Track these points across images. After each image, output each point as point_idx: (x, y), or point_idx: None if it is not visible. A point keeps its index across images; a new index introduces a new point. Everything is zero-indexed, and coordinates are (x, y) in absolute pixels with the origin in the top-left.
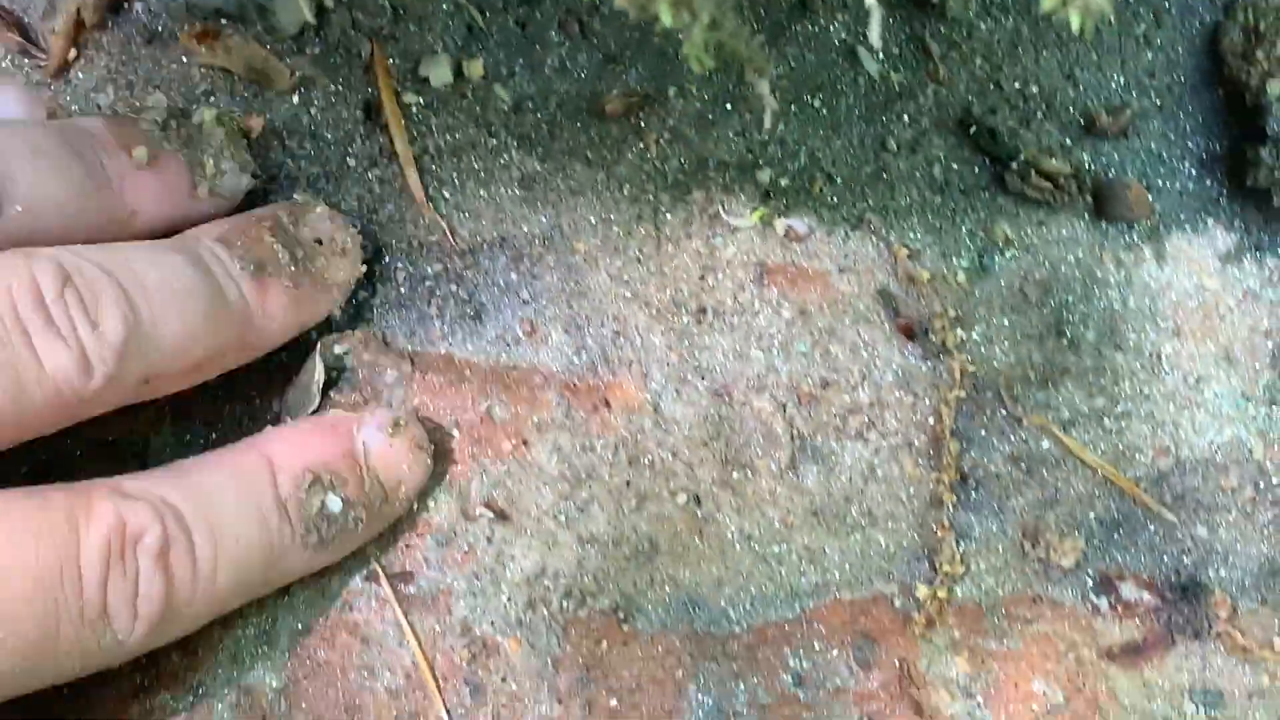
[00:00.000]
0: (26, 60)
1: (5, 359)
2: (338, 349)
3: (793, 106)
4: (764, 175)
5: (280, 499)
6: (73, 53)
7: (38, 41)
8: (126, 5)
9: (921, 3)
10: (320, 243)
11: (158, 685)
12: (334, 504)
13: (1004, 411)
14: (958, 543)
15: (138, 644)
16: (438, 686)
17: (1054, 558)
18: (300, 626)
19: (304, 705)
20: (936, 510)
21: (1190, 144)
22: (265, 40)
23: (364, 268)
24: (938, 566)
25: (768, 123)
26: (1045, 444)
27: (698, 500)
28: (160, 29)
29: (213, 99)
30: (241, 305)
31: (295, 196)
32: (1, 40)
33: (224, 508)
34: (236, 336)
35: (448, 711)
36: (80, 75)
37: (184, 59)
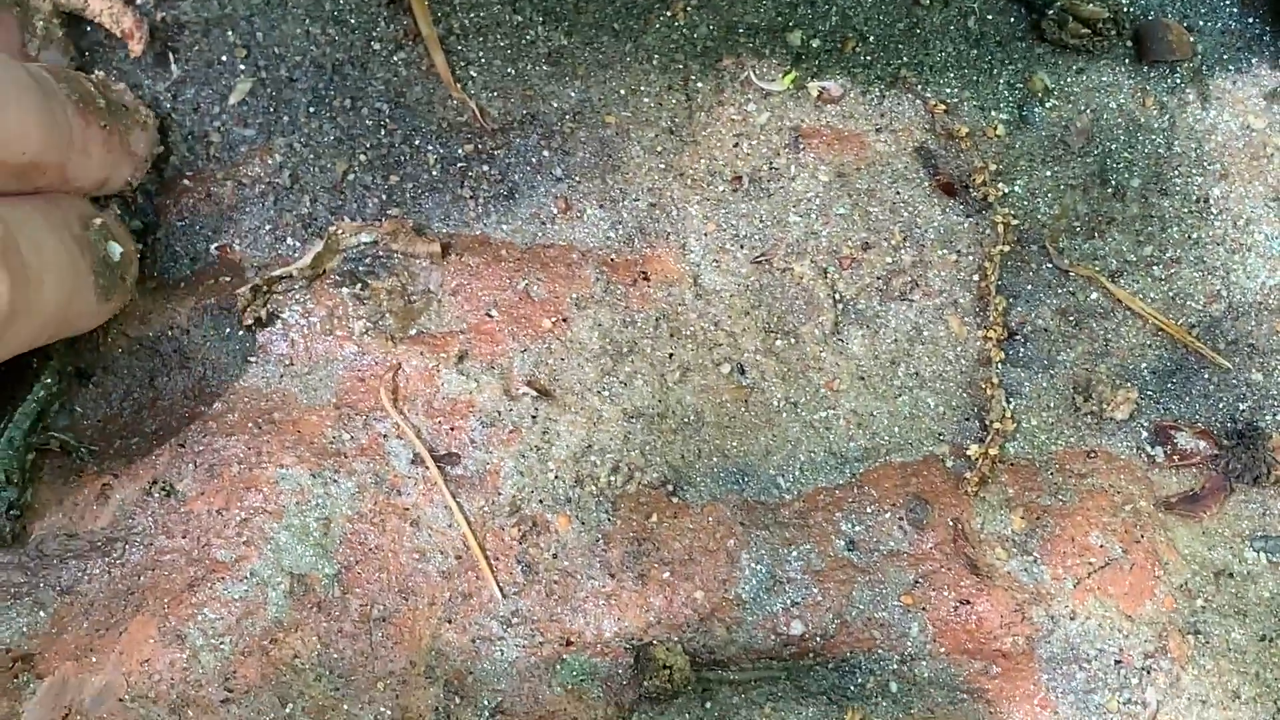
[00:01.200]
0: None
1: None
2: (364, 238)
3: None
4: (794, 37)
5: (77, 235)
6: None
7: None
8: None
9: None
10: (126, 109)
11: (211, 575)
12: (115, 251)
13: (1050, 264)
14: (1008, 400)
15: None
16: (490, 566)
17: (1107, 410)
18: (350, 513)
19: (357, 590)
20: (985, 368)
21: None
22: None
23: (160, 149)
24: (988, 425)
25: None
26: (1094, 295)
27: (742, 370)
28: None
29: None
30: (67, 126)
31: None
32: None
33: (39, 230)
34: (60, 154)
35: (501, 590)
36: None
37: None
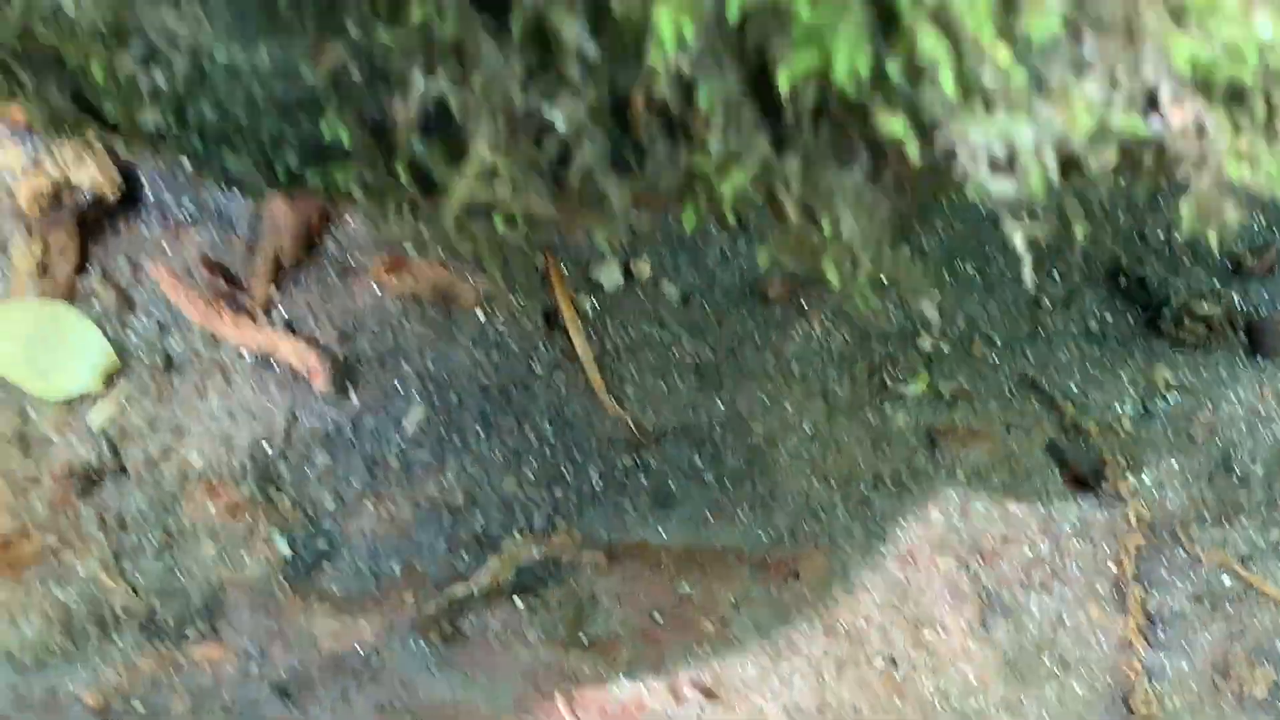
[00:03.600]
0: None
1: None
2: (535, 551)
3: (946, 274)
4: (925, 342)
5: None
6: (274, 290)
7: (241, 284)
8: (319, 242)
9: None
10: None
11: None
12: None
13: (1183, 551)
14: (1151, 683)
15: None
16: None
17: (1247, 689)
18: None
19: None
20: (1126, 653)
21: None
22: (448, 262)
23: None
24: (1134, 708)
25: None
26: (1226, 580)
27: (894, 662)
28: (351, 262)
29: (405, 323)
30: None
31: None
32: (211, 284)
33: None
34: None
35: None
36: (283, 312)
37: (376, 289)
